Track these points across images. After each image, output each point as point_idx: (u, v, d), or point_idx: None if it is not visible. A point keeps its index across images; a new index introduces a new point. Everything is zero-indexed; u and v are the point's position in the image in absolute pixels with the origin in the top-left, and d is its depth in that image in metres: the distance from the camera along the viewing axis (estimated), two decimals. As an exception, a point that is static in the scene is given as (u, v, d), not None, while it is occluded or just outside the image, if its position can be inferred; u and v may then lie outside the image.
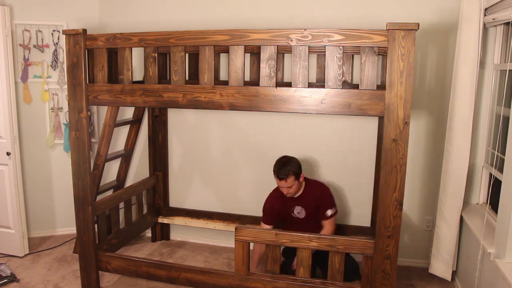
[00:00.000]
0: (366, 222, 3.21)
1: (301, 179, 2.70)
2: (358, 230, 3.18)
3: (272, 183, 2.81)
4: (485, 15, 2.53)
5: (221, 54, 3.24)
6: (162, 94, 2.33)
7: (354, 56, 2.97)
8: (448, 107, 2.74)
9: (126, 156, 3.46)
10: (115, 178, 3.51)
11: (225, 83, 2.28)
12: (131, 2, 3.44)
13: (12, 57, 3.15)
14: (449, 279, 2.86)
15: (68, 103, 2.55)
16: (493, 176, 2.60)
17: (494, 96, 2.74)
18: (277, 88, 2.15)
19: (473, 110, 2.61)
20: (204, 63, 2.24)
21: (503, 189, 2.19)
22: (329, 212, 2.71)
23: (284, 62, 3.16)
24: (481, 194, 2.90)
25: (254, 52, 3.12)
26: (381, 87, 2.25)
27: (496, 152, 2.62)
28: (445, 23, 2.86)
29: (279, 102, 2.15)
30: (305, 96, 2.12)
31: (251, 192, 3.41)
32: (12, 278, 2.92)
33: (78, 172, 2.56)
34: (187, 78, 3.06)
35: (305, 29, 2.05)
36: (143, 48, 2.34)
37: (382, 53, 2.81)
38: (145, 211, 3.49)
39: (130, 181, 3.62)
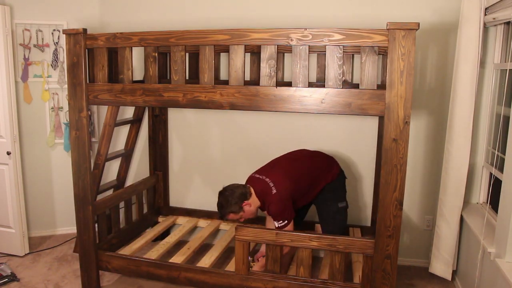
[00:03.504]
0: (366, 221, 3.21)
1: (247, 205, 2.57)
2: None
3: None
4: (485, 14, 2.53)
5: (221, 54, 3.24)
6: (162, 93, 2.33)
7: (354, 55, 2.97)
8: (448, 107, 2.74)
9: (126, 156, 3.46)
10: (115, 178, 3.50)
11: (225, 82, 2.28)
12: (131, 2, 3.43)
13: (13, 57, 3.15)
14: (449, 279, 2.86)
15: (69, 103, 2.55)
16: (493, 175, 2.60)
17: (494, 96, 2.73)
18: (277, 87, 2.15)
19: (473, 109, 2.61)
20: (204, 63, 2.25)
21: (503, 189, 2.19)
22: (276, 224, 2.56)
23: (284, 62, 3.16)
24: (481, 193, 2.90)
25: (254, 52, 3.12)
26: (381, 86, 2.25)
27: (496, 152, 2.62)
28: (445, 23, 2.86)
29: (279, 102, 2.15)
30: (305, 96, 2.12)
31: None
32: (13, 278, 2.92)
33: (79, 171, 2.57)
34: (187, 78, 3.06)
35: (305, 29, 2.05)
36: (143, 47, 2.35)
37: (382, 52, 2.81)
38: (145, 210, 3.49)
39: (130, 181, 3.62)
